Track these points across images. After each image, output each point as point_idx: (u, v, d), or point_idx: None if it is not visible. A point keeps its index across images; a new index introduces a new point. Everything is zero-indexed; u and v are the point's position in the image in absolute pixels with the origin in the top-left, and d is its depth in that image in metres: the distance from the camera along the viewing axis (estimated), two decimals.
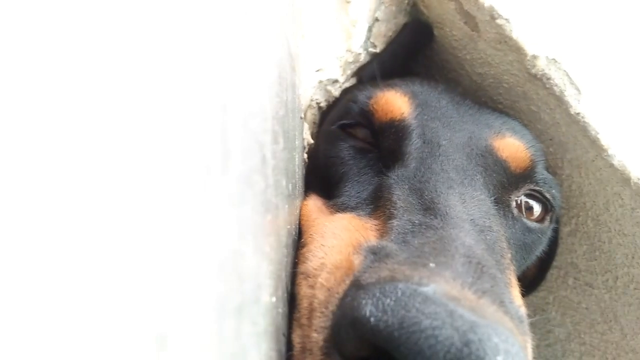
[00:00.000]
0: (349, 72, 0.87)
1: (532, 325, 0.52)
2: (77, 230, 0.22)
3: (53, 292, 0.21)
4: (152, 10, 0.30)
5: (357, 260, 0.49)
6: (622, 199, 0.76)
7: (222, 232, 0.34)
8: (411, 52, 0.92)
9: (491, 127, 0.72)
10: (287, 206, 0.54)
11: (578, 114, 0.74)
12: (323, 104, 0.86)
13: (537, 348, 0.54)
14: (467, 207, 0.58)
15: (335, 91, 0.86)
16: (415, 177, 0.62)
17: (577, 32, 0.78)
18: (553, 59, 0.75)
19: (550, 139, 0.81)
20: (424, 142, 0.67)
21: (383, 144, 0.69)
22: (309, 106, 0.84)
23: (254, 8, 0.46)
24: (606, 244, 0.82)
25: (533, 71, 0.76)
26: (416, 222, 0.53)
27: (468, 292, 0.43)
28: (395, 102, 0.71)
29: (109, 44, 0.26)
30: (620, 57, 0.80)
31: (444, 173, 0.62)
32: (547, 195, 0.72)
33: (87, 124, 0.24)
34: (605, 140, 0.73)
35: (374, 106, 0.71)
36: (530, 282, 0.89)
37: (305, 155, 0.74)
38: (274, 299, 0.44)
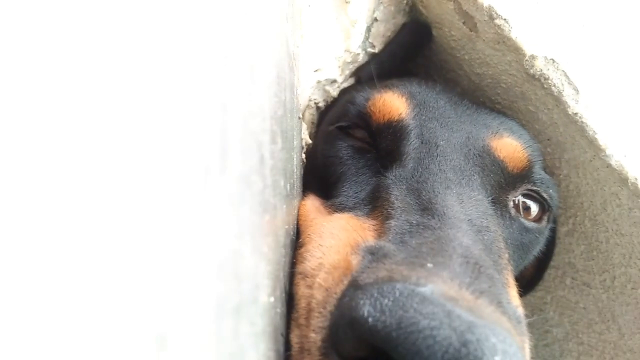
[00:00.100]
0: (347, 72, 0.87)
1: (530, 325, 0.52)
2: (77, 230, 0.22)
3: (53, 293, 0.21)
4: (152, 10, 0.30)
5: (355, 261, 0.49)
6: (620, 199, 0.76)
7: (221, 232, 0.34)
8: (410, 52, 0.92)
9: (489, 127, 0.72)
10: (285, 206, 0.54)
11: (576, 114, 0.75)
12: (321, 104, 0.86)
13: (534, 348, 0.55)
14: (465, 208, 0.58)
15: (334, 91, 0.86)
16: (413, 177, 0.62)
17: (575, 33, 0.78)
18: (551, 59, 0.75)
19: (548, 139, 0.81)
20: (421, 143, 0.67)
21: (381, 145, 0.69)
22: (308, 106, 0.84)
23: (253, 8, 0.47)
24: (604, 243, 0.82)
25: (531, 71, 0.76)
26: (414, 222, 0.54)
27: (466, 292, 0.43)
28: (392, 103, 0.71)
29: (109, 44, 0.26)
30: (619, 57, 0.80)
31: (441, 173, 0.62)
32: (545, 195, 0.72)
33: (87, 124, 0.24)
34: (602, 140, 0.73)
35: (371, 108, 0.71)
36: (527, 282, 0.89)
37: (304, 156, 0.74)
38: (272, 299, 0.44)
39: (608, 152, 0.73)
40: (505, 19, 0.75)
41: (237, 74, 0.41)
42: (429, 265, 0.45)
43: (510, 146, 0.70)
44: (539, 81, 0.76)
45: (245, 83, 0.42)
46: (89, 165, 0.23)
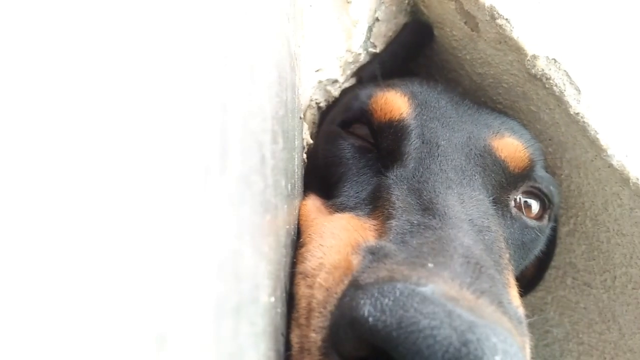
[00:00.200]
0: (348, 72, 0.87)
1: (530, 325, 0.52)
2: (77, 230, 0.22)
3: (53, 293, 0.21)
4: (153, 10, 0.30)
5: (356, 261, 0.49)
6: (621, 199, 0.76)
7: (221, 232, 0.34)
8: (411, 52, 0.92)
9: (490, 127, 0.72)
10: (286, 206, 0.54)
11: (577, 114, 0.74)
12: (322, 104, 0.86)
13: (535, 348, 0.55)
14: (466, 207, 0.58)
15: (335, 91, 0.86)
16: (414, 177, 0.62)
17: (577, 33, 0.78)
18: (553, 59, 0.75)
19: (550, 139, 0.81)
20: (422, 142, 0.67)
21: (382, 144, 0.69)
22: (309, 106, 0.84)
23: (254, 8, 0.47)
24: (604, 244, 0.82)
25: (533, 71, 0.76)
26: (415, 222, 0.54)
27: (466, 292, 0.43)
28: (394, 102, 0.71)
29: (109, 44, 0.26)
30: (620, 57, 0.80)
31: (442, 173, 0.62)
32: (546, 191, 0.72)
33: (86, 124, 0.24)
34: (604, 140, 0.73)
35: (373, 106, 0.71)
36: (528, 282, 0.89)
37: (305, 156, 0.74)
38: (272, 299, 0.44)
39: (609, 152, 0.73)
40: (506, 19, 0.75)
41: (237, 74, 0.41)
42: (430, 265, 0.45)
43: (511, 146, 0.70)
44: (540, 81, 0.76)
45: (246, 83, 0.42)
46: (89, 165, 0.24)
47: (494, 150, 0.69)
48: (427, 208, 0.56)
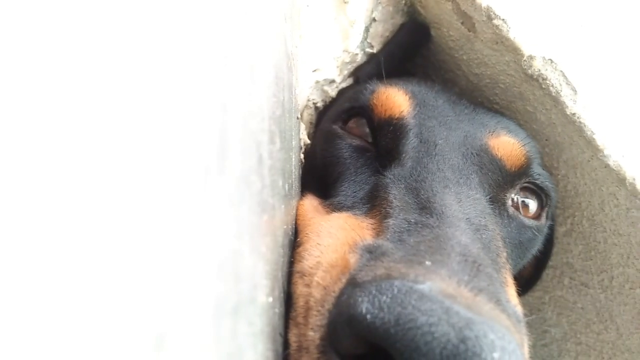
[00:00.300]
0: (345, 72, 0.87)
1: (528, 325, 0.52)
2: (76, 230, 0.22)
3: (52, 292, 0.21)
4: (152, 10, 0.30)
5: (353, 259, 0.49)
6: (618, 199, 0.76)
7: (220, 232, 0.34)
8: (408, 52, 0.92)
9: (486, 126, 0.73)
10: (283, 206, 0.54)
11: (574, 114, 0.75)
12: (320, 104, 0.86)
13: (533, 348, 0.55)
14: (463, 206, 0.58)
15: (332, 91, 0.86)
16: (411, 176, 0.62)
17: (573, 33, 0.79)
18: (549, 60, 0.75)
19: (546, 139, 0.81)
20: (420, 142, 0.67)
21: (380, 143, 0.70)
22: (306, 106, 0.84)
23: (253, 8, 0.47)
24: (601, 244, 0.82)
25: (529, 71, 0.76)
26: (412, 221, 0.54)
27: (464, 289, 0.43)
28: (395, 99, 0.71)
29: (109, 44, 0.26)
30: (617, 57, 0.80)
31: (440, 172, 0.62)
32: (543, 186, 0.72)
33: (86, 124, 0.24)
34: (600, 140, 0.74)
35: (374, 101, 0.72)
36: (526, 281, 0.89)
37: (302, 156, 0.74)
38: (270, 299, 0.44)
39: (606, 152, 0.74)
40: (503, 19, 0.75)
41: (237, 74, 0.41)
42: (427, 263, 0.45)
43: (507, 144, 0.70)
44: (537, 81, 0.76)
45: (245, 83, 0.42)
46: (89, 165, 0.24)
47: (491, 149, 0.69)
48: (425, 207, 0.56)
